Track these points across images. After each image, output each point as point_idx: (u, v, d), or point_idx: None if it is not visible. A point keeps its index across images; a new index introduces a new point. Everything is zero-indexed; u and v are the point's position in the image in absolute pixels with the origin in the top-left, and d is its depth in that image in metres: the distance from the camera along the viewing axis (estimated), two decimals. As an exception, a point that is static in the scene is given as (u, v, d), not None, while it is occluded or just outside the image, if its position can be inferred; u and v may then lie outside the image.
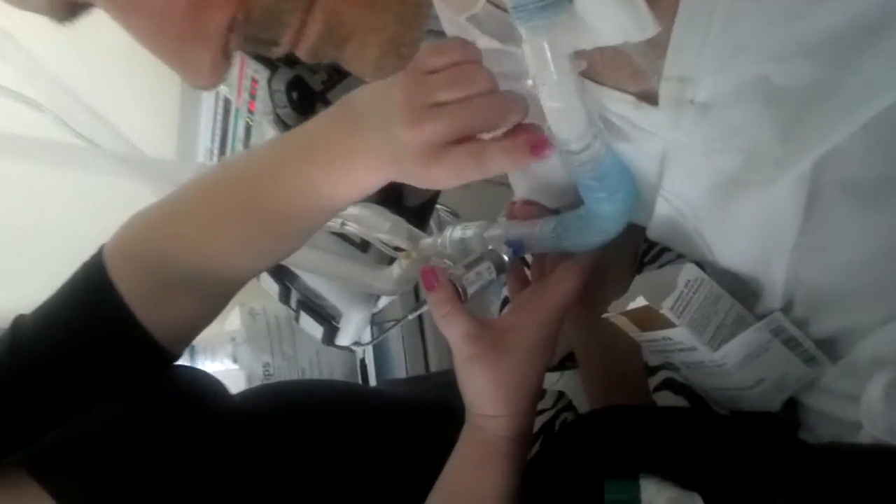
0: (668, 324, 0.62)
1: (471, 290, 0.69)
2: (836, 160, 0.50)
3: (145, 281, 0.72)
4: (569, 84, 0.55)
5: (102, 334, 0.71)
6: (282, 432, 0.80)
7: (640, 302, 0.62)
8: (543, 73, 0.54)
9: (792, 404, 0.66)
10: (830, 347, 0.60)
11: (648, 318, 0.63)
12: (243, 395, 0.87)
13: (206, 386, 0.81)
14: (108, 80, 1.37)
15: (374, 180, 0.66)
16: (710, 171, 0.57)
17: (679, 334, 0.62)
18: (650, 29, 0.50)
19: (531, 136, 0.60)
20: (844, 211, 0.53)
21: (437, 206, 1.61)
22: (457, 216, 1.66)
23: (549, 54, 0.53)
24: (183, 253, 0.72)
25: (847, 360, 0.59)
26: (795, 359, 0.61)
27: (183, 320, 0.75)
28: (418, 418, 0.86)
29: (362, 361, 1.82)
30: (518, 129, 0.61)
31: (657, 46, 0.52)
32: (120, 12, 0.45)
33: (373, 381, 1.80)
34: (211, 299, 0.77)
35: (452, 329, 0.68)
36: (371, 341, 1.68)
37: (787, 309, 0.61)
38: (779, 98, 0.50)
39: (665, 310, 0.61)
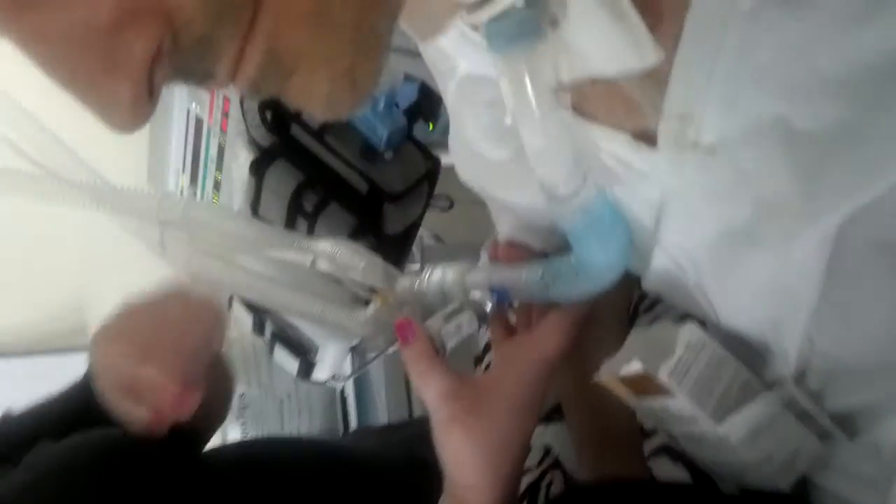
0: (666, 391, 0.54)
1: (450, 345, 0.63)
2: (868, 217, 0.43)
3: None
4: (554, 121, 0.48)
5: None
6: (238, 495, 0.74)
7: (635, 366, 0.54)
8: (524, 108, 0.47)
9: (803, 482, 0.58)
10: (848, 423, 0.53)
11: (644, 384, 0.56)
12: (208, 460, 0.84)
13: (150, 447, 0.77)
14: (68, 99, 1.29)
15: None
16: (714, 222, 0.50)
17: (678, 404, 0.55)
18: (650, 57, 0.43)
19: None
20: (876, 276, 0.45)
21: (421, 232, 1.54)
22: (441, 240, 1.59)
23: (529, 87, 0.46)
24: None
25: (867, 438, 0.51)
26: (809, 434, 0.54)
27: None
28: (389, 481, 0.80)
29: (342, 393, 1.75)
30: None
31: (657, 78, 0.45)
32: (25, 40, 0.37)
33: (353, 415, 1.75)
34: None
35: (429, 387, 0.62)
36: (350, 375, 1.61)
37: (799, 378, 0.53)
38: (800, 143, 0.43)
39: (663, 376, 0.53)
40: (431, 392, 0.62)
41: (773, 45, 0.40)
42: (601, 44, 0.44)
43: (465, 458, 0.62)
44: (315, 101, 0.43)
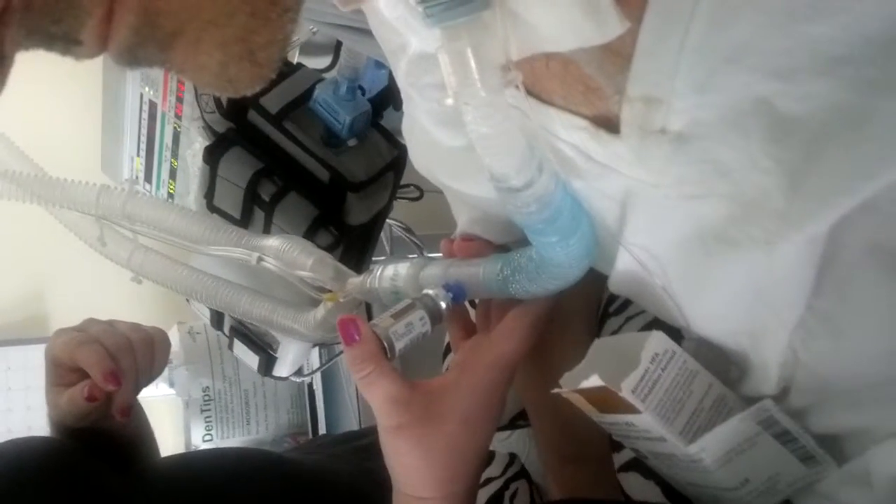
0: (630, 408, 0.49)
1: (399, 346, 0.57)
2: (864, 219, 0.37)
3: None
4: (501, 103, 0.42)
5: None
6: None
7: (595, 381, 0.48)
8: (467, 88, 0.41)
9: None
10: (836, 446, 0.47)
11: (606, 399, 0.50)
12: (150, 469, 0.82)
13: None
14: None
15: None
16: (685, 221, 0.44)
17: (644, 421, 0.49)
18: (613, 27, 0.36)
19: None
20: (870, 285, 0.39)
21: (389, 221, 1.49)
22: (410, 231, 1.53)
23: (473, 64, 0.40)
24: None
25: (856, 465, 0.45)
26: (790, 456, 0.48)
27: None
28: (333, 494, 0.75)
29: (309, 386, 1.70)
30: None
31: (618, 55, 0.39)
32: None
33: (321, 407, 1.70)
34: None
35: (375, 393, 0.56)
36: (316, 369, 1.55)
37: (781, 395, 0.48)
38: (785, 130, 0.37)
39: (626, 392, 0.48)
40: (378, 398, 0.56)
41: (756, 12, 0.34)
42: (555, 15, 0.38)
43: (414, 470, 0.57)
44: (207, 73, 0.37)
